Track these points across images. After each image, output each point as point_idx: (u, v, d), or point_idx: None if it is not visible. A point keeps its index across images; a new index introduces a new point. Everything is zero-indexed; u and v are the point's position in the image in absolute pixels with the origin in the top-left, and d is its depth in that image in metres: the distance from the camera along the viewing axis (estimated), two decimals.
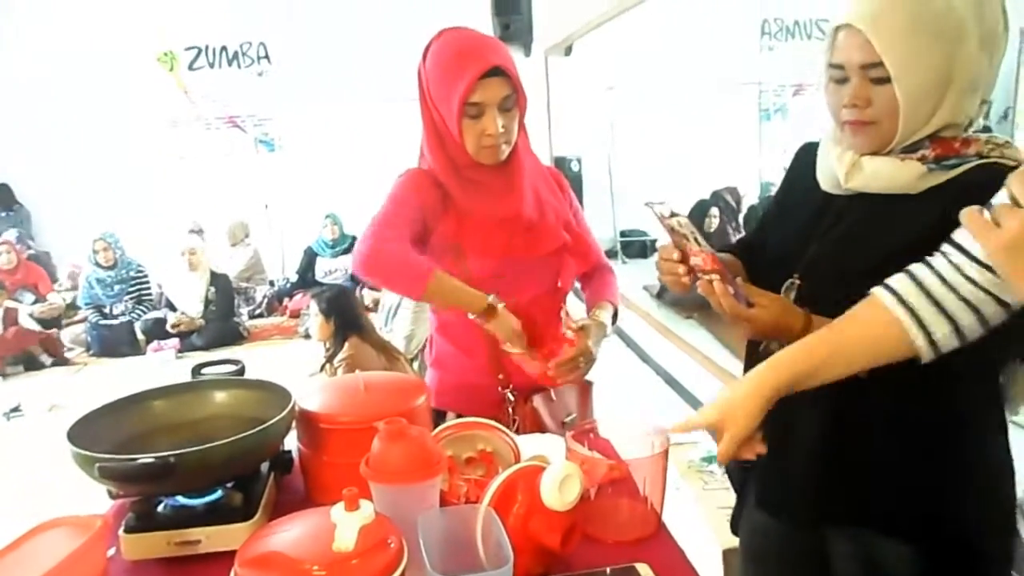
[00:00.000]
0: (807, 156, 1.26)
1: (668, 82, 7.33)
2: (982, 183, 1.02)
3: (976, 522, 1.14)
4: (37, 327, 6.04)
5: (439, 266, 1.57)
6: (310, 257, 7.00)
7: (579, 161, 7.45)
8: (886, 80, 1.04)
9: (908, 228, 1.07)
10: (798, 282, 1.18)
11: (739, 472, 1.31)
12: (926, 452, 1.12)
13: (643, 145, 7.46)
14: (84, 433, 1.18)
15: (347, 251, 6.89)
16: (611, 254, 7.63)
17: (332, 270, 6.86)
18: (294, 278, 7.11)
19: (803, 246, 1.19)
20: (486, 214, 1.57)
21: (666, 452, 1.20)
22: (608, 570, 1.09)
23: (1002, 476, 1.16)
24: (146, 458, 1.07)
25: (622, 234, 7.87)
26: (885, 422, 1.12)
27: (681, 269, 1.18)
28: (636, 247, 7.68)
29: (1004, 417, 1.16)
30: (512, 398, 1.61)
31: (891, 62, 1.03)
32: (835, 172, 1.16)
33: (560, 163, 5.70)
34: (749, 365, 1.27)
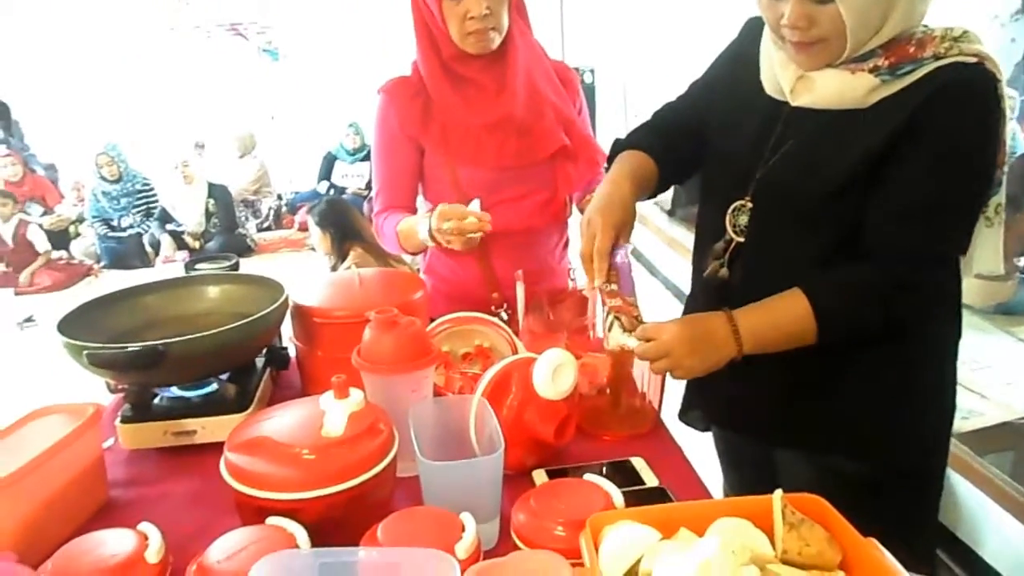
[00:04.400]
0: (754, 36, 1.14)
1: None
2: (943, 89, 0.95)
3: (920, 439, 1.14)
4: (46, 242, 6.04)
5: (434, 185, 1.54)
6: (329, 162, 6.92)
7: (592, 72, 7.23)
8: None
9: (862, 146, 0.99)
10: (750, 204, 1.10)
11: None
12: (879, 375, 1.10)
13: (661, 57, 7.18)
14: (77, 326, 1.17)
15: (366, 158, 6.81)
16: None
17: (348, 175, 6.81)
18: (306, 188, 7.04)
19: (752, 163, 1.10)
20: (473, 119, 1.45)
21: None
22: (603, 464, 1.08)
23: (946, 393, 1.15)
24: (134, 346, 1.06)
25: None
26: (843, 349, 1.07)
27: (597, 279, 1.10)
28: None
29: (958, 333, 1.14)
30: (506, 317, 1.50)
31: None
32: (779, 81, 1.06)
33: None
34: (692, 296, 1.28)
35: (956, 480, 2.01)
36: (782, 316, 1.03)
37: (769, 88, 1.10)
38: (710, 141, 1.20)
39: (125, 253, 6.19)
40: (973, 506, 2.00)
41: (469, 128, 1.46)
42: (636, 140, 1.25)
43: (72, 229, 6.54)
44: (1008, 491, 1.92)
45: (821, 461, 1.14)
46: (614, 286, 1.12)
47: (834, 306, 1.01)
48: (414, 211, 1.58)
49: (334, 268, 3.64)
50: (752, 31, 1.15)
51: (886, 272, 0.99)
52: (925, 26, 1.01)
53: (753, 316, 1.03)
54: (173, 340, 1.08)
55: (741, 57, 1.16)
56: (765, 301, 1.04)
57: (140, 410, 1.17)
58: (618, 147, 1.24)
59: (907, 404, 1.11)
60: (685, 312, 1.27)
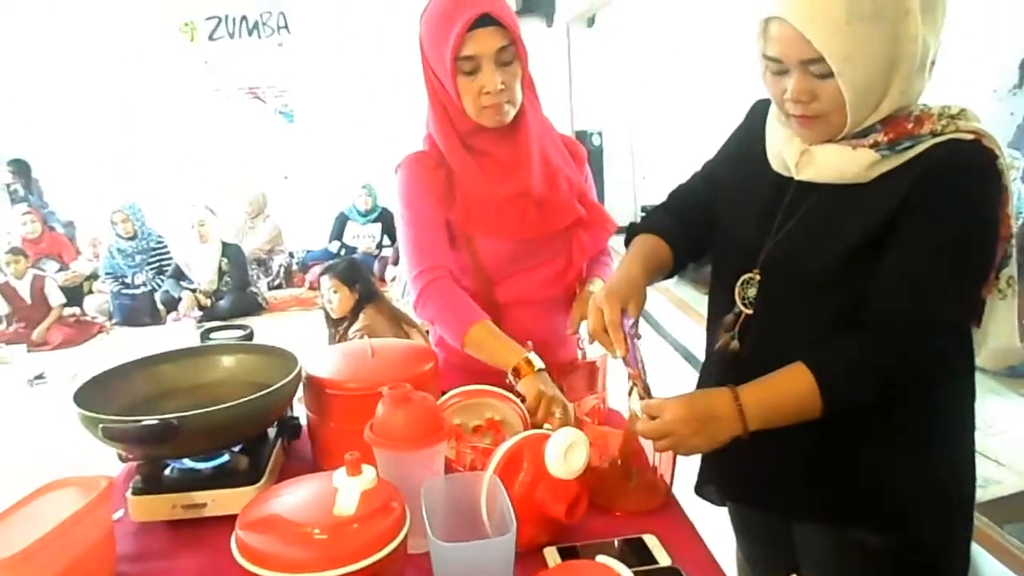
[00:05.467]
0: (760, 117, 1.18)
1: (695, 54, 7.16)
2: (940, 164, 0.99)
3: (940, 510, 1.13)
4: (61, 296, 6.11)
5: (456, 258, 1.50)
6: (342, 222, 7.10)
7: (600, 135, 7.35)
8: (829, 75, 0.96)
9: (864, 220, 1.02)
10: (758, 278, 1.13)
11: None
12: (896, 446, 1.09)
13: (668, 119, 7.32)
14: (92, 396, 1.19)
15: (377, 220, 7.02)
16: None
17: (359, 235, 6.99)
18: (317, 246, 7.16)
19: (760, 237, 1.13)
20: (494, 191, 1.46)
21: None
22: (616, 541, 1.07)
23: (964, 462, 1.15)
24: (150, 420, 1.06)
25: (643, 209, 7.76)
26: (859, 423, 1.08)
27: (618, 351, 1.12)
28: None
29: (973, 408, 1.14)
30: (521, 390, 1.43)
31: (832, 58, 0.94)
32: (784, 157, 1.10)
33: (581, 137, 5.60)
34: (706, 368, 1.28)
35: (975, 551, 1.96)
36: (786, 392, 1.04)
37: (775, 164, 1.14)
38: (720, 217, 1.23)
39: (137, 310, 6.26)
40: None
41: (490, 200, 1.47)
42: (650, 224, 1.29)
43: (86, 285, 6.62)
44: None
45: (840, 534, 1.13)
46: (627, 355, 1.13)
47: (838, 379, 1.02)
48: (453, 271, 1.51)
49: (347, 327, 3.65)
50: (758, 113, 1.20)
51: (886, 342, 1.01)
52: (925, 105, 1.04)
53: (758, 393, 1.04)
54: (188, 414, 1.08)
55: (748, 137, 1.21)
56: (768, 376, 1.05)
57: (151, 482, 1.17)
58: (634, 231, 1.29)
59: (925, 475, 1.10)
60: (699, 384, 1.28)
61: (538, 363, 1.33)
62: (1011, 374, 3.07)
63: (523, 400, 1.30)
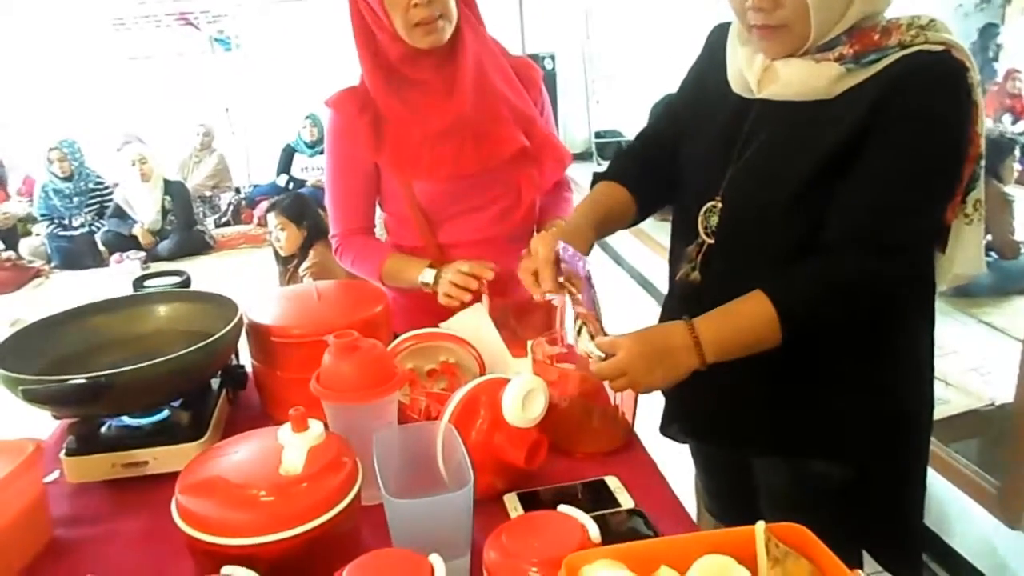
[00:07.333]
0: (720, 42, 1.12)
1: None
2: (906, 76, 0.94)
3: (898, 436, 1.12)
4: None
5: (391, 199, 1.48)
6: (288, 154, 6.76)
7: (553, 58, 7.17)
8: None
9: (828, 139, 0.97)
10: (720, 205, 1.08)
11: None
12: (856, 375, 1.07)
13: (623, 41, 7.14)
14: (16, 352, 1.10)
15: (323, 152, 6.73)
16: (586, 156, 7.46)
17: (308, 167, 6.68)
18: (264, 181, 6.90)
19: (722, 164, 1.07)
20: (424, 127, 1.37)
21: None
22: (577, 485, 1.05)
23: (923, 389, 1.13)
24: (77, 379, 0.99)
25: (597, 135, 7.66)
26: (818, 354, 1.05)
27: (543, 287, 1.08)
28: (612, 148, 7.46)
29: (932, 336, 1.12)
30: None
31: None
32: (745, 76, 1.04)
33: (532, 61, 5.45)
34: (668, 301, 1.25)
35: None
36: (744, 320, 0.99)
37: (736, 86, 1.08)
38: (682, 149, 1.17)
39: (77, 253, 5.98)
40: (940, 495, 2.02)
41: (424, 138, 1.37)
42: (612, 171, 1.25)
43: (21, 227, 6.31)
44: (974, 479, 1.94)
45: (799, 467, 1.12)
46: (579, 295, 1.09)
47: (797, 306, 0.98)
48: (373, 228, 1.53)
49: (296, 265, 3.54)
50: (717, 38, 1.13)
51: (849, 264, 0.97)
52: (893, 17, 0.99)
53: (714, 323, 0.99)
54: (119, 371, 1.01)
55: (708, 64, 1.15)
56: (727, 306, 1.00)
57: (86, 441, 1.10)
58: (596, 179, 1.24)
59: (884, 404, 1.09)
60: (662, 316, 1.24)
61: (428, 278, 1.40)
62: (960, 294, 3.13)
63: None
